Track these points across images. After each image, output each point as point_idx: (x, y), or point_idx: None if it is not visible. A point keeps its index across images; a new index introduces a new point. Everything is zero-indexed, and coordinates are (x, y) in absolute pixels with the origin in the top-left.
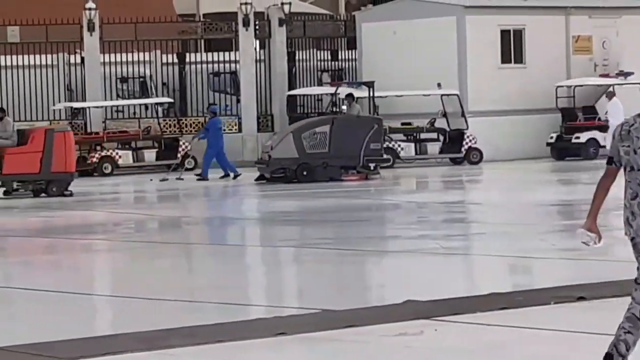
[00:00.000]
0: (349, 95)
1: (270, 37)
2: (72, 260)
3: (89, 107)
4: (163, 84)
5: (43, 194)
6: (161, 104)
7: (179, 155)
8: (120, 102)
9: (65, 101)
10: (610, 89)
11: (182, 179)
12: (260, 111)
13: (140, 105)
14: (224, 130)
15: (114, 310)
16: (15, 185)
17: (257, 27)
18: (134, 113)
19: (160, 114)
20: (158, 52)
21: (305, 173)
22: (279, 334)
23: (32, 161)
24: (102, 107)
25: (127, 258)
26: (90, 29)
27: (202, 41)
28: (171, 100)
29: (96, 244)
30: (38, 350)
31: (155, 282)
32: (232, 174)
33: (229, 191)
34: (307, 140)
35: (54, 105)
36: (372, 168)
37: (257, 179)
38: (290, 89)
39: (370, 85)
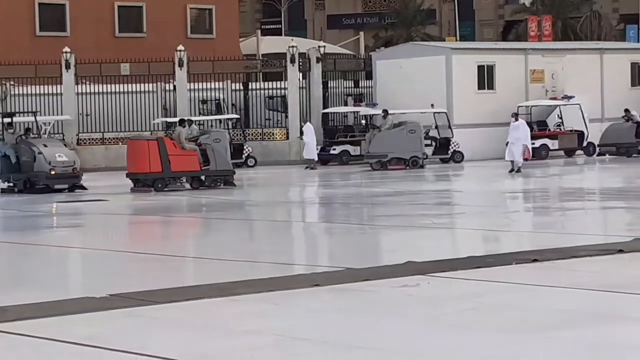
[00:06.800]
0: (385, 111)
1: (310, 71)
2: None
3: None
4: (232, 104)
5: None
6: (231, 119)
7: (243, 156)
8: (202, 117)
9: (161, 117)
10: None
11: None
12: (301, 124)
13: (215, 120)
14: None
15: (195, 267)
16: None
17: (300, 64)
18: (211, 125)
19: (230, 126)
20: (228, 81)
21: None
22: (315, 285)
23: None
24: None
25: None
26: (181, 65)
27: (261, 74)
28: (238, 116)
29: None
30: (142, 296)
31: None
32: None
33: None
34: None
35: (153, 119)
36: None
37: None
38: (324, 108)
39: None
